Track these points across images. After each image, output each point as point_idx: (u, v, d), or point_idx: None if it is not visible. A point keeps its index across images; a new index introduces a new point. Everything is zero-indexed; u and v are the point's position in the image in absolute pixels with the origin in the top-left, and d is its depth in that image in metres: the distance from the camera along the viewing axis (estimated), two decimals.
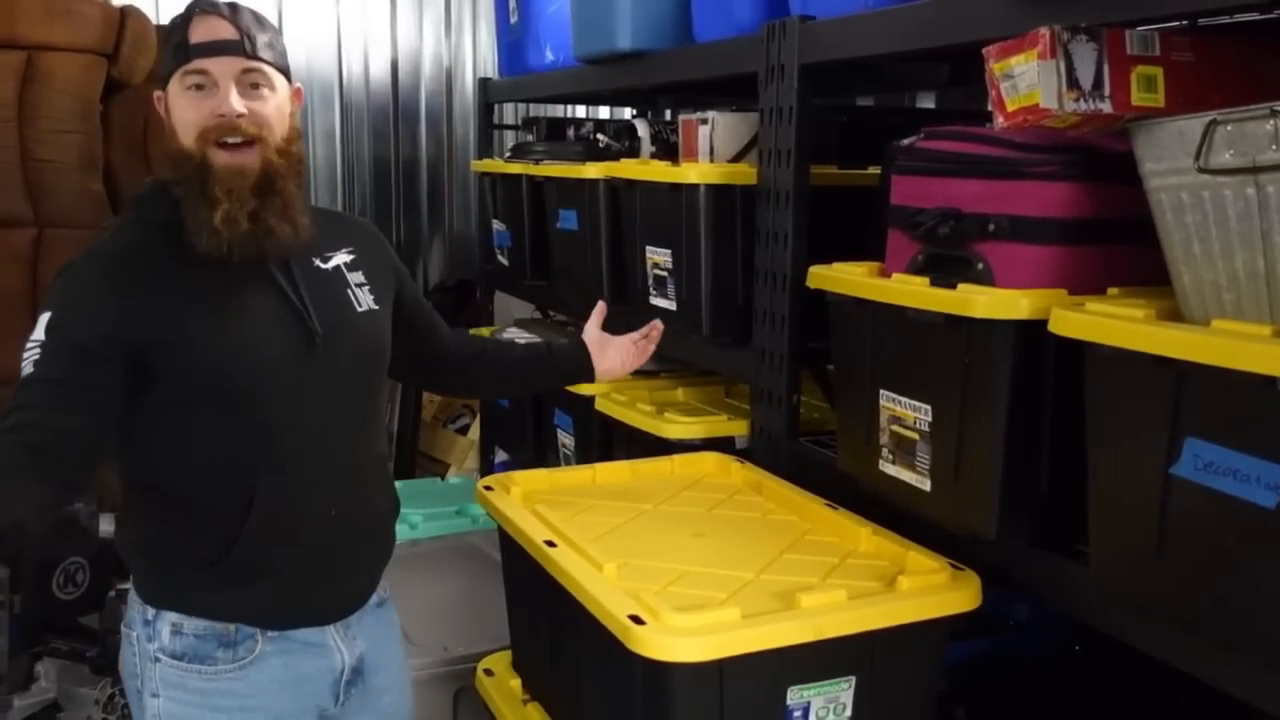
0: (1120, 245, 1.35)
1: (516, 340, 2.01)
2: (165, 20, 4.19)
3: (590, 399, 2.50)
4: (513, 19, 3.21)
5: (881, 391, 1.54)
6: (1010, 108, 1.25)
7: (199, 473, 1.44)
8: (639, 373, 2.60)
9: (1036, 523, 1.39)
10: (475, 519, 2.89)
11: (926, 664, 1.43)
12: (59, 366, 1.32)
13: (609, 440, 2.47)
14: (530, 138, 3.30)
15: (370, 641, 1.61)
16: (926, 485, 1.48)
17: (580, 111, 4.72)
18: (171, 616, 1.47)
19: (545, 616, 1.65)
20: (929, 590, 1.39)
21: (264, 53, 1.43)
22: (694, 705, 1.28)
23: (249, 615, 1.48)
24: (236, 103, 1.40)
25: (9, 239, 3.44)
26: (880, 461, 1.57)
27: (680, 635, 1.25)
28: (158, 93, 1.46)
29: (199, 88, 1.40)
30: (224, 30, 1.41)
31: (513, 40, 3.23)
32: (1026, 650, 1.82)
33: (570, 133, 3.19)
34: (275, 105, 1.45)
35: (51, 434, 1.29)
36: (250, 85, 1.42)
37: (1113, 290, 1.31)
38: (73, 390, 1.32)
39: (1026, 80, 1.21)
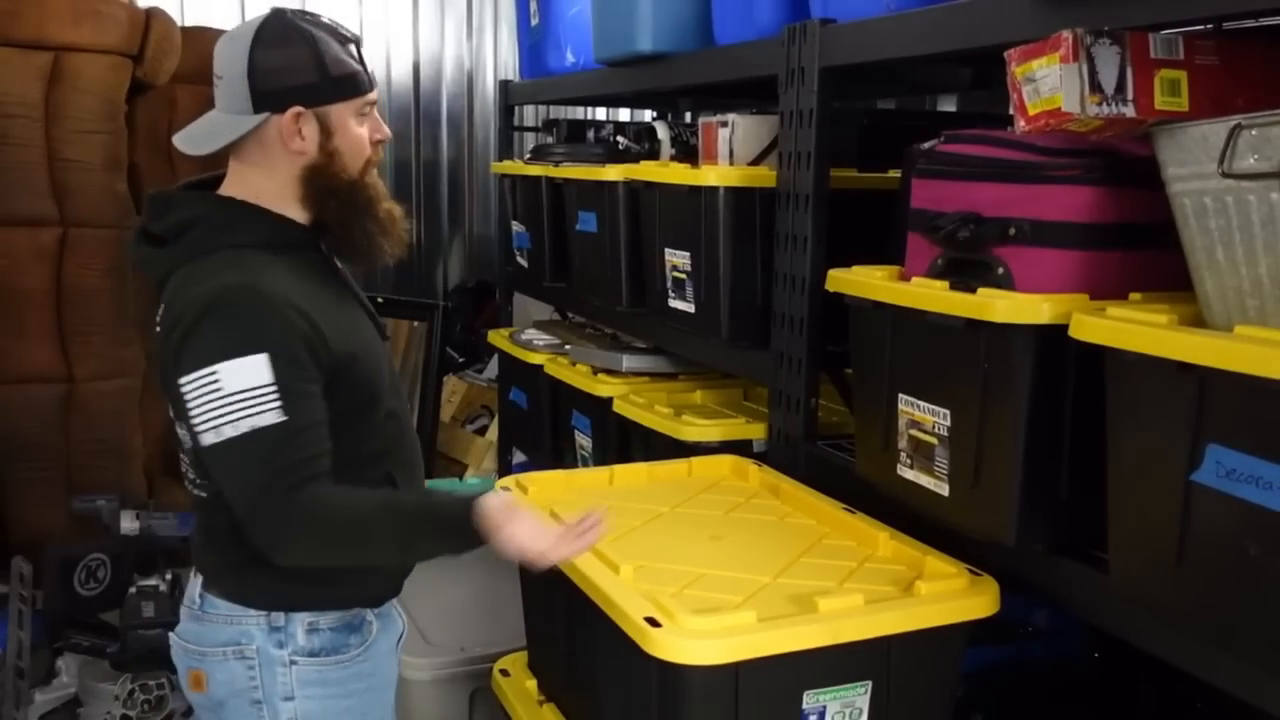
0: (1142, 250, 1.34)
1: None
2: (191, 22, 4.25)
3: (609, 401, 2.50)
4: (533, 21, 3.22)
5: (900, 395, 1.54)
6: (1032, 111, 1.24)
7: (344, 470, 1.43)
8: (657, 375, 2.61)
9: (1056, 529, 1.38)
10: None
11: (943, 669, 1.42)
12: (305, 405, 1.36)
13: (626, 442, 2.47)
14: (550, 140, 3.31)
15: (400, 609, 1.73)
16: (945, 490, 1.47)
17: (600, 114, 4.73)
18: (306, 617, 1.51)
19: (561, 618, 1.65)
20: (947, 595, 1.38)
21: None
22: (709, 708, 1.28)
23: (367, 597, 1.58)
24: (387, 128, 1.56)
25: (35, 238, 3.48)
26: (898, 466, 1.56)
27: (696, 638, 1.25)
28: (299, 108, 1.42)
29: (363, 115, 1.50)
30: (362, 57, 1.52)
31: (533, 43, 3.24)
32: (1045, 657, 1.81)
33: (590, 135, 3.20)
34: None
35: (328, 470, 1.40)
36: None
37: (1134, 295, 1.30)
38: (323, 430, 1.39)
39: (1049, 84, 1.20)
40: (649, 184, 2.34)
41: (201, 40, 4.05)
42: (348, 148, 1.46)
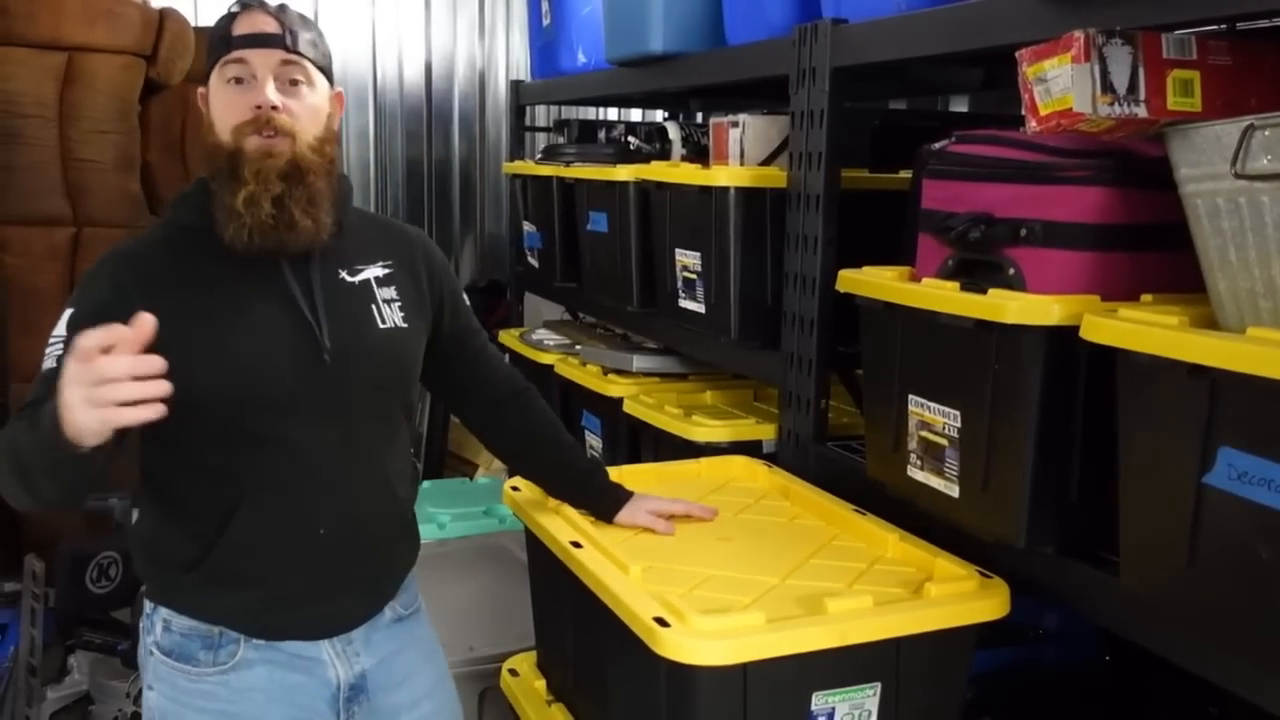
0: (1154, 251, 1.33)
1: (563, 439, 1.77)
2: (205, 23, 4.26)
3: (619, 401, 2.50)
4: (545, 21, 3.22)
5: (910, 396, 1.53)
6: (1043, 111, 1.24)
7: (187, 476, 1.44)
8: (668, 375, 2.61)
9: (1066, 531, 1.37)
10: (502, 519, 2.90)
11: (953, 672, 1.42)
12: None
13: (636, 442, 2.48)
14: (562, 140, 3.32)
15: (380, 658, 1.55)
16: (955, 491, 1.47)
17: (612, 114, 4.73)
18: (164, 612, 1.47)
19: (570, 617, 1.65)
20: (957, 598, 1.38)
21: (305, 49, 1.42)
22: (717, 708, 1.27)
23: (231, 620, 1.45)
24: (274, 95, 1.38)
25: (49, 237, 3.50)
26: (908, 467, 1.56)
27: (705, 638, 1.24)
28: (201, 89, 1.46)
29: (238, 80, 1.39)
30: (266, 24, 1.41)
31: (545, 43, 3.24)
32: (1055, 660, 1.80)
33: (601, 135, 3.20)
34: (312, 104, 1.43)
35: None
36: (289, 81, 1.41)
37: (1146, 297, 1.29)
38: None
39: (1060, 84, 1.20)
40: (660, 184, 2.34)
41: None
42: (216, 111, 1.41)
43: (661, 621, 1.27)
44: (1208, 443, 1.08)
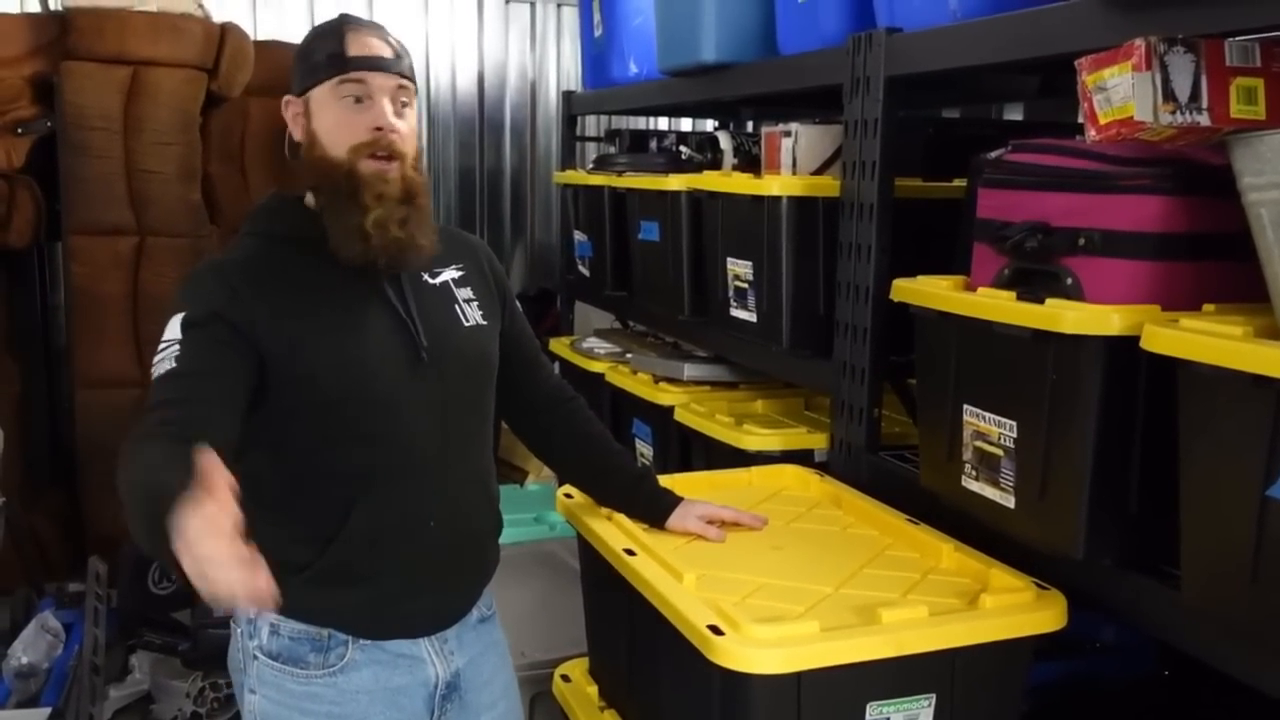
0: (1215, 261, 1.32)
1: (611, 444, 1.78)
2: (263, 37, 4.35)
3: (670, 409, 2.51)
4: (597, 32, 3.25)
5: (965, 406, 1.53)
6: (1103, 120, 1.23)
7: (300, 480, 1.46)
8: (718, 384, 2.62)
9: (1125, 543, 1.36)
10: (554, 526, 2.92)
11: (1009, 684, 1.41)
12: (199, 359, 1.35)
13: (687, 451, 2.48)
14: (613, 149, 3.34)
15: (469, 658, 1.60)
16: (1011, 502, 1.46)
17: (663, 124, 4.75)
18: (270, 617, 1.48)
19: (623, 624, 1.66)
20: (1013, 609, 1.37)
21: (409, 73, 1.48)
22: (772, 717, 1.28)
23: (340, 622, 1.48)
24: (394, 119, 1.44)
25: (113, 246, 3.58)
26: (963, 477, 1.55)
27: (760, 646, 1.25)
28: (291, 99, 1.49)
29: (356, 99, 1.44)
30: (381, 47, 1.45)
31: (597, 53, 3.26)
32: (1112, 674, 1.77)
33: (653, 145, 3.22)
34: (412, 125, 1.48)
35: (199, 423, 1.29)
36: (400, 103, 1.46)
37: (1208, 307, 1.28)
38: (212, 380, 1.35)
39: (1121, 92, 1.19)
40: (711, 193, 2.35)
41: (273, 54, 4.15)
42: (325, 128, 1.45)
43: (716, 629, 1.28)
44: (1272, 455, 1.07)
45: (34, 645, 2.89)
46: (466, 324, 1.56)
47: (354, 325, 1.46)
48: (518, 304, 1.75)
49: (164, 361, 1.35)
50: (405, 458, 1.48)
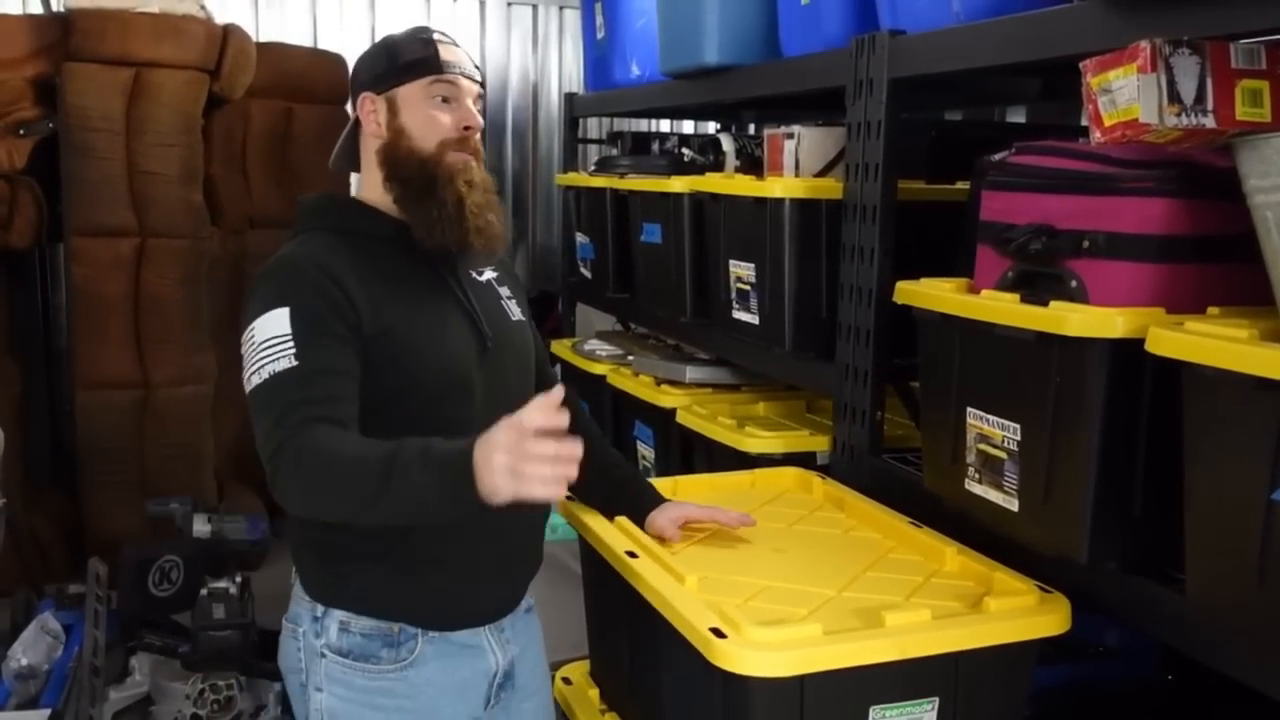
0: (1220, 263, 1.32)
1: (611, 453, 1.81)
2: (265, 39, 4.35)
3: (672, 412, 2.51)
4: (599, 34, 3.25)
5: (969, 409, 1.52)
6: (1108, 122, 1.23)
7: None
8: (720, 386, 2.61)
9: (1130, 546, 1.35)
10: (555, 528, 2.90)
11: (1012, 688, 1.40)
12: (321, 356, 1.38)
13: (689, 453, 2.48)
14: (615, 151, 3.34)
15: (521, 647, 1.65)
16: (1014, 505, 1.45)
17: (664, 126, 4.75)
18: (340, 614, 1.51)
19: (625, 627, 1.65)
20: (1017, 612, 1.36)
21: (484, 84, 1.61)
22: None
23: (412, 613, 1.52)
24: (479, 119, 1.55)
25: (115, 247, 3.58)
26: (966, 480, 1.54)
27: (762, 649, 1.24)
28: (367, 95, 1.55)
29: (444, 99, 1.53)
30: (466, 60, 1.57)
31: (599, 55, 3.27)
32: (1115, 678, 1.77)
33: (655, 147, 3.22)
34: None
35: (343, 419, 1.36)
36: (479, 110, 1.57)
37: (1212, 309, 1.27)
38: (336, 377, 1.38)
39: (1125, 95, 1.19)
40: (714, 195, 2.35)
41: (275, 56, 4.16)
42: (415, 126, 1.51)
43: (718, 632, 1.27)
44: (1278, 458, 1.06)
45: (34, 647, 2.89)
46: (513, 319, 1.65)
47: (434, 314, 1.52)
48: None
49: (279, 359, 1.37)
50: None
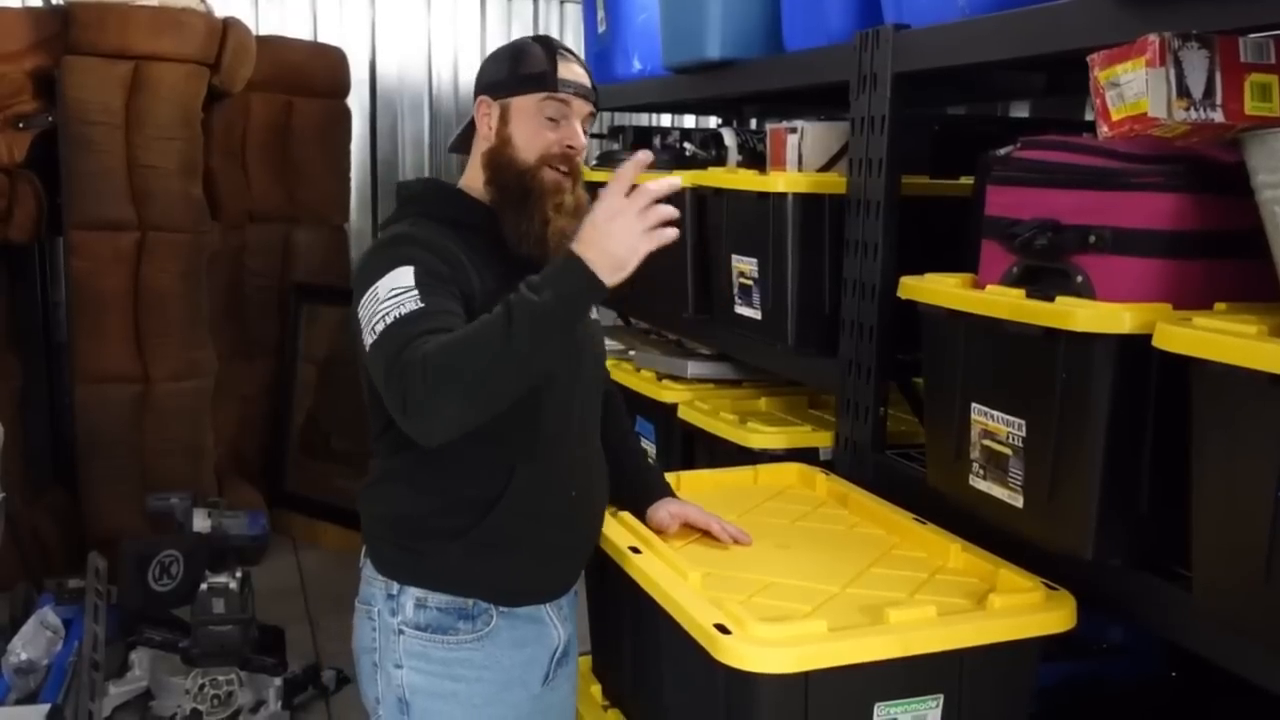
0: (1227, 259, 1.31)
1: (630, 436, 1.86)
2: (265, 32, 4.33)
3: (673, 407, 2.50)
4: (601, 28, 3.24)
5: (973, 405, 1.52)
6: (1115, 117, 1.22)
7: (468, 448, 1.47)
8: (722, 382, 2.61)
9: (1135, 543, 1.35)
10: None
11: (1017, 685, 1.40)
12: (443, 303, 1.41)
13: (691, 449, 2.47)
14: (616, 146, 3.32)
15: (573, 626, 1.69)
16: (1019, 502, 1.45)
17: (665, 120, 4.74)
18: (415, 592, 1.54)
19: (627, 623, 1.65)
20: (1021, 609, 1.36)
21: (597, 103, 1.62)
22: (779, 717, 1.27)
23: (486, 590, 1.55)
24: (583, 139, 1.58)
25: (114, 241, 3.58)
26: (970, 477, 1.54)
27: (767, 646, 1.24)
28: (484, 98, 1.59)
29: (551, 118, 1.56)
30: (584, 78, 1.59)
31: (601, 49, 3.25)
32: (1120, 675, 1.76)
33: (656, 141, 3.20)
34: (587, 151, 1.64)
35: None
36: (585, 129, 1.60)
37: (1220, 305, 1.27)
38: (456, 319, 1.41)
39: (1134, 89, 1.18)
40: (717, 190, 2.34)
41: (275, 50, 4.16)
42: (521, 137, 1.55)
43: (722, 629, 1.27)
44: None
45: (33, 641, 2.88)
46: (592, 314, 1.65)
47: None
48: None
49: (403, 305, 1.38)
50: (562, 428, 1.57)
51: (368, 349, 1.41)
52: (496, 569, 1.54)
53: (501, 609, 1.56)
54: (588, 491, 1.63)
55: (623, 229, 1.33)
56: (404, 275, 1.42)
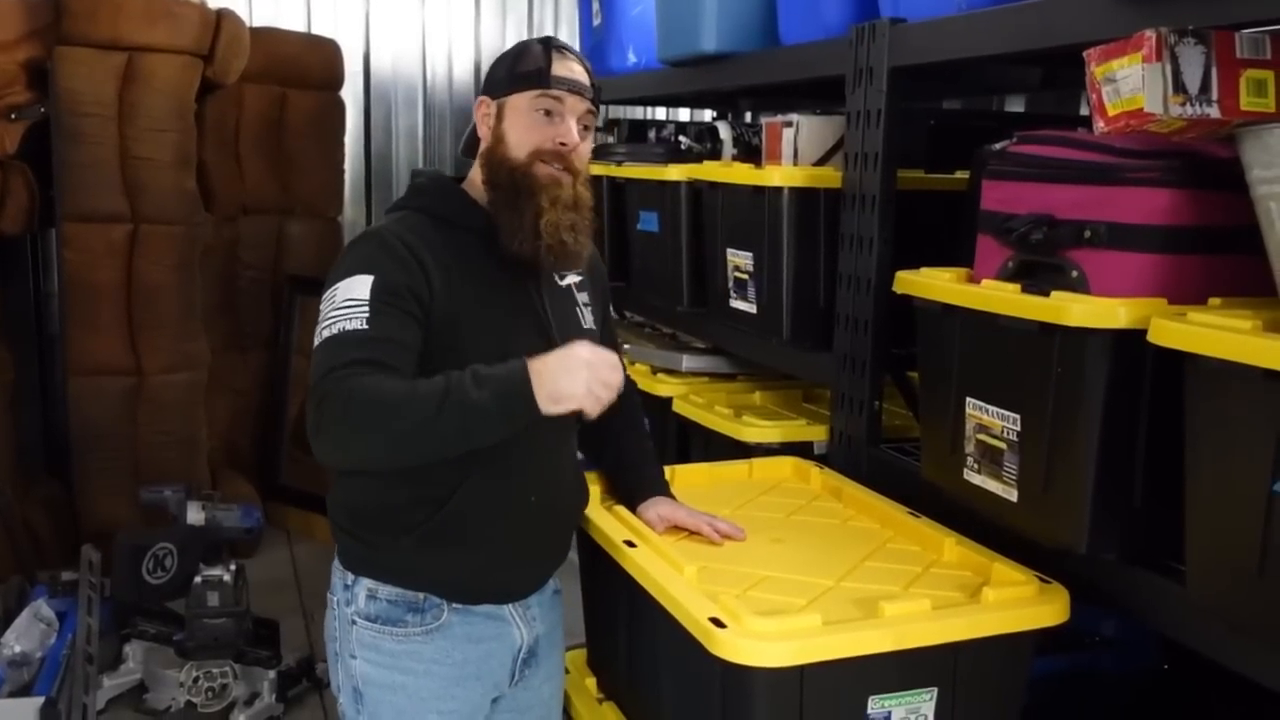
0: (1223, 254, 1.31)
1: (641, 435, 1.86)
2: (259, 24, 4.32)
3: (668, 400, 2.50)
4: (595, 21, 3.23)
5: (968, 399, 1.52)
6: (1111, 112, 1.22)
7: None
8: (717, 375, 2.61)
9: (1129, 537, 1.35)
10: None
11: (1011, 678, 1.40)
12: (391, 327, 1.43)
13: (685, 442, 2.48)
14: (611, 139, 3.32)
15: (546, 625, 1.69)
16: (1013, 496, 1.45)
17: (660, 114, 4.73)
18: (367, 583, 1.56)
19: (622, 616, 1.65)
20: (1015, 602, 1.36)
21: (598, 101, 1.61)
22: (774, 710, 1.27)
23: (437, 585, 1.55)
24: (577, 136, 1.56)
25: (107, 234, 3.56)
26: (965, 470, 1.54)
27: (762, 640, 1.24)
28: (483, 98, 1.60)
29: (548, 113, 1.56)
30: (581, 74, 1.58)
31: (595, 42, 3.25)
32: (1113, 668, 1.77)
33: (651, 135, 3.20)
34: (589, 147, 1.62)
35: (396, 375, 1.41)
36: (584, 126, 1.59)
37: (1214, 300, 1.27)
38: (399, 349, 1.44)
39: (1130, 84, 1.18)
40: (712, 184, 2.34)
41: (269, 41, 4.14)
42: (514, 134, 1.55)
43: (718, 622, 1.27)
44: None
45: (27, 634, 2.88)
46: (585, 326, 1.68)
47: (503, 310, 1.56)
48: (611, 306, 1.84)
49: (351, 319, 1.42)
50: (525, 440, 1.52)
51: (316, 343, 1.45)
52: (446, 565, 1.55)
53: (455, 605, 1.56)
54: (552, 498, 1.62)
55: (586, 379, 1.36)
56: (362, 286, 1.45)
